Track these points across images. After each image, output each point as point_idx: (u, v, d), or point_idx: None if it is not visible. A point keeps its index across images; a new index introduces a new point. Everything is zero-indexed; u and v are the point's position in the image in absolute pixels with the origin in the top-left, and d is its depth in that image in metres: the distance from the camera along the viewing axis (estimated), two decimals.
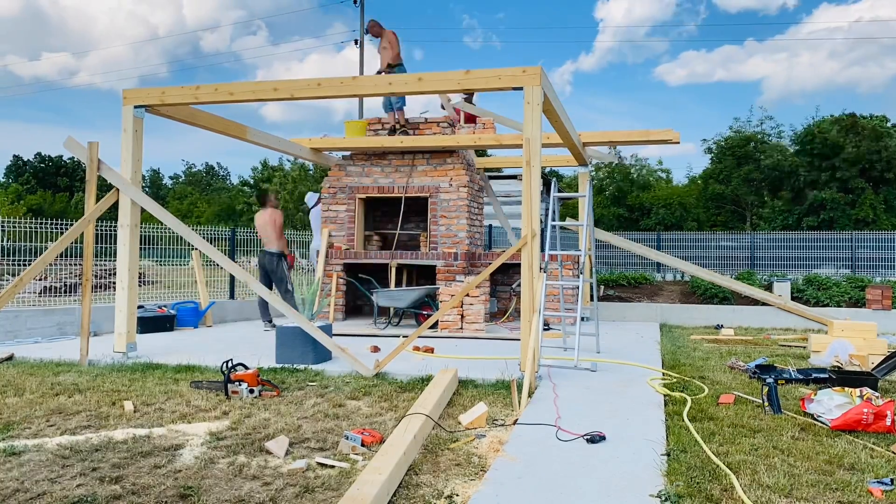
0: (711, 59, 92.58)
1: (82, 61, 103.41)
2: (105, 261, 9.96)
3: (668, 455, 3.75)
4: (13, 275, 8.96)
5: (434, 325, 8.86)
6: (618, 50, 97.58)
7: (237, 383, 5.17)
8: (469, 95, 11.07)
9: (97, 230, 8.33)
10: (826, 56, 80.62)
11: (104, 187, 6.75)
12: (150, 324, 9.06)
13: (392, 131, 10.84)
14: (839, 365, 6.52)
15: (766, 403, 4.84)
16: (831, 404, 4.51)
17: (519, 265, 6.37)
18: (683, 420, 4.51)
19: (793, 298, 11.06)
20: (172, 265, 12.21)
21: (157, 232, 10.68)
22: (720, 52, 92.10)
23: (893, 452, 3.89)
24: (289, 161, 41.67)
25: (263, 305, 9.54)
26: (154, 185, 65.82)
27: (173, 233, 9.51)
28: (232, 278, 11.23)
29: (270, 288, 9.22)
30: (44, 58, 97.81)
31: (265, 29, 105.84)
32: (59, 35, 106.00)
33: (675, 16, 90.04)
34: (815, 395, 4.75)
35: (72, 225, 7.31)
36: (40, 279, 11.08)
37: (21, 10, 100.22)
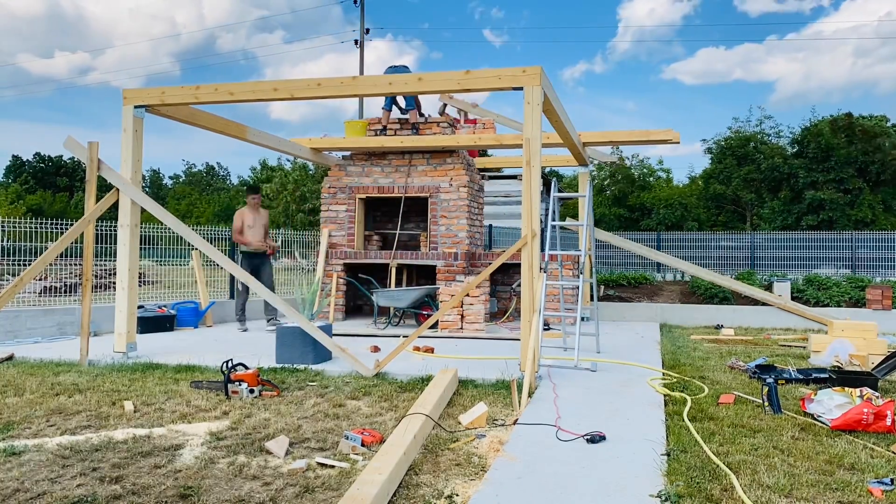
0: (730, 59, 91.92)
1: (97, 60, 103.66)
2: (105, 261, 9.94)
3: (668, 455, 3.75)
4: (13, 275, 8.96)
5: (434, 325, 8.86)
6: (637, 49, 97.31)
7: (237, 383, 5.17)
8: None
9: (97, 230, 8.33)
10: (847, 54, 79.38)
11: (104, 187, 6.75)
12: (150, 324, 9.05)
13: (382, 131, 10.88)
14: (839, 365, 6.52)
15: (767, 403, 4.84)
16: (831, 404, 4.51)
17: (519, 265, 6.37)
18: (683, 420, 4.51)
19: (793, 298, 11.05)
20: (172, 265, 12.21)
21: (157, 232, 10.68)
22: (739, 50, 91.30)
23: (893, 452, 3.89)
24: (288, 161, 41.62)
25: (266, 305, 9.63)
26: (154, 185, 65.79)
27: (173, 233, 9.51)
28: (232, 278, 11.22)
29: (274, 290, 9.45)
30: (57, 56, 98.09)
31: (284, 27, 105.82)
32: (76, 34, 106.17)
33: (697, 15, 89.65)
34: (816, 395, 4.75)
35: (72, 225, 7.31)
36: (40, 279, 11.08)
37: (45, 10, 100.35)
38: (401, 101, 11.00)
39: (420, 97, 10.92)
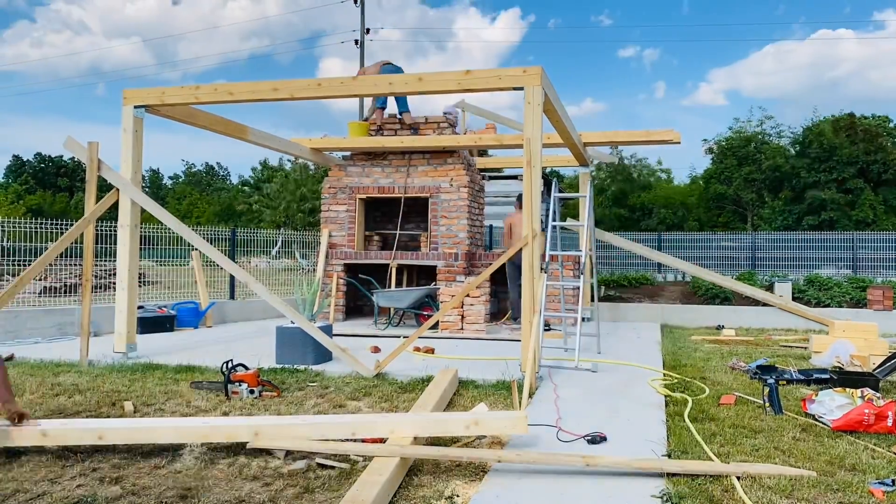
0: (796, 56, 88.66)
1: (144, 55, 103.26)
2: (105, 261, 9.94)
3: (669, 456, 3.75)
4: (13, 275, 8.95)
5: (434, 326, 8.83)
6: (691, 47, 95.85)
7: (237, 384, 5.17)
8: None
9: (97, 230, 8.32)
10: None
11: (104, 187, 6.74)
12: (150, 324, 9.05)
13: (378, 131, 10.81)
14: (840, 365, 6.51)
15: (768, 404, 4.84)
16: (832, 405, 4.50)
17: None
18: (684, 421, 4.51)
19: (794, 299, 11.04)
20: (172, 265, 12.21)
21: (157, 232, 10.67)
22: (805, 48, 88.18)
23: (894, 453, 3.88)
24: (289, 161, 41.63)
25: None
26: (154, 185, 65.79)
27: (173, 233, 9.50)
28: (232, 279, 11.21)
29: None
30: (106, 52, 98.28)
31: (329, 24, 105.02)
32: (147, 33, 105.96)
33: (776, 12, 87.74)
34: (817, 395, 4.74)
35: (72, 225, 7.30)
36: (40, 279, 11.07)
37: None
38: (392, 105, 10.87)
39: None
